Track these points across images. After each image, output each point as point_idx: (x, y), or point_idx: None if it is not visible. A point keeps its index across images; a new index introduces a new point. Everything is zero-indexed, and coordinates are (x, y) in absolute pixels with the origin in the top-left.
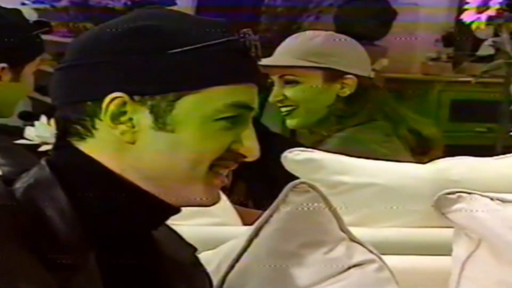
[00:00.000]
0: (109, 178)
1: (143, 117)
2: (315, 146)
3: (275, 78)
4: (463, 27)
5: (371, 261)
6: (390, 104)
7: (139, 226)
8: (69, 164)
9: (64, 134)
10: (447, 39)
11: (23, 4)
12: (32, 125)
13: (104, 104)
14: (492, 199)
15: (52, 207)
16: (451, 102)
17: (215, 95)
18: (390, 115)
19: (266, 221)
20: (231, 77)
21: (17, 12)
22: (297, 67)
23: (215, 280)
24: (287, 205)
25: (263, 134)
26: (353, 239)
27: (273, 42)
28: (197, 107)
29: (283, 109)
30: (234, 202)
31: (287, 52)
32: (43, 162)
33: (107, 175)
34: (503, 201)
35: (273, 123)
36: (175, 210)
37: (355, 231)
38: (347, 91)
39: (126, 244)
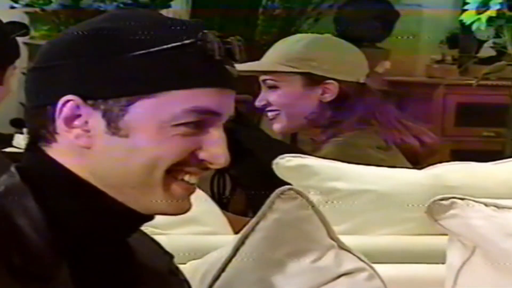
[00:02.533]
0: (76, 184)
1: (97, 121)
2: (312, 152)
3: (261, 82)
4: (467, 28)
5: (361, 270)
6: (383, 112)
7: (111, 234)
8: (38, 170)
9: (34, 139)
10: (452, 41)
11: (12, 7)
12: (22, 132)
13: (58, 107)
14: (486, 205)
15: (23, 216)
16: (457, 106)
17: (171, 100)
18: (383, 123)
19: (253, 229)
20: (188, 81)
21: None
22: (277, 72)
23: None
24: (274, 213)
25: (262, 141)
26: (342, 247)
27: (272, 45)
28: (151, 112)
29: (269, 114)
30: (233, 211)
31: (271, 56)
32: (13, 169)
33: (74, 181)
34: (498, 207)
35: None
36: (146, 217)
37: (349, 239)
38: (328, 97)
39: (100, 253)
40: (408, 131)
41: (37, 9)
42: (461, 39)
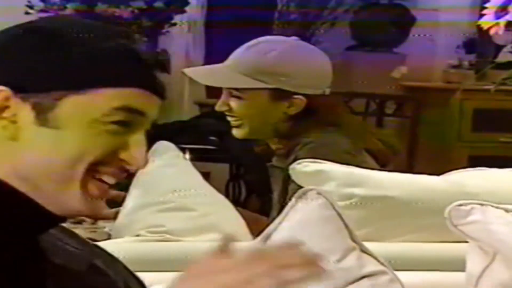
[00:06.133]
0: None
1: (26, 113)
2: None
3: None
4: (485, 33)
5: (382, 273)
6: (346, 121)
7: (19, 234)
8: None
9: None
10: (469, 45)
11: (27, 13)
12: None
13: None
14: (507, 211)
15: None
16: (473, 111)
17: (101, 98)
18: (345, 131)
19: (275, 229)
20: (118, 80)
21: None
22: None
23: None
24: (297, 213)
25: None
26: (364, 250)
27: None
28: (81, 108)
29: (230, 119)
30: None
31: (236, 64)
32: None
33: None
34: None
35: None
36: (58, 219)
37: (367, 245)
38: (293, 110)
39: (8, 253)
40: (372, 135)
41: (52, 15)
42: (478, 44)
